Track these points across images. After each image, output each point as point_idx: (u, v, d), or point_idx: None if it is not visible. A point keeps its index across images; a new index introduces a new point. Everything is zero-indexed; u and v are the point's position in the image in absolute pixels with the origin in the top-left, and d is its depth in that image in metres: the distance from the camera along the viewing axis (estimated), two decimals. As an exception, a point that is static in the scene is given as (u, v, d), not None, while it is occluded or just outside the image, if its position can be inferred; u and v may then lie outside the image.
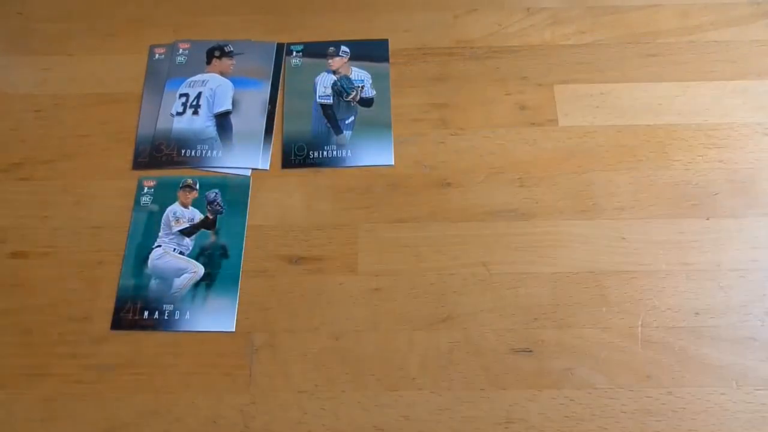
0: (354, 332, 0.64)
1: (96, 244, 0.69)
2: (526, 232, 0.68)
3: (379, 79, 0.78)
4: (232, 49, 0.80)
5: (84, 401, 0.62)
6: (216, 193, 0.71)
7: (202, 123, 0.75)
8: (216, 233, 0.69)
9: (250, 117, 0.76)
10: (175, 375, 0.62)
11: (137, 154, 0.74)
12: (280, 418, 0.60)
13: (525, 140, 0.73)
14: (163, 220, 0.70)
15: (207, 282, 0.67)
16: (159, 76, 0.79)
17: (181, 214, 0.70)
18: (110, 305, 0.66)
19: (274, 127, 0.75)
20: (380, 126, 0.75)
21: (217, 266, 0.67)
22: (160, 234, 0.69)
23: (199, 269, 0.67)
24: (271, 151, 0.74)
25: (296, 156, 0.73)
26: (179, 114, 0.76)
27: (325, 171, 0.72)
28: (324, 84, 0.78)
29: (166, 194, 0.71)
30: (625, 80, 0.77)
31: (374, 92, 0.77)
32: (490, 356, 0.62)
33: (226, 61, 0.79)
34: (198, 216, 0.70)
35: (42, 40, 0.82)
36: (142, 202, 0.71)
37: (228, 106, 0.76)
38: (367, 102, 0.76)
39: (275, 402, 0.61)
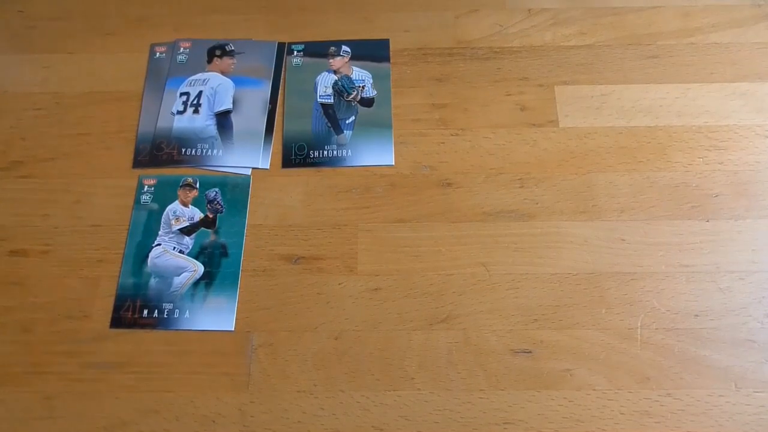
0: (353, 332, 0.64)
1: (96, 242, 0.69)
2: (526, 232, 0.68)
3: (379, 79, 0.78)
4: (233, 48, 0.80)
5: (83, 400, 0.62)
6: (216, 192, 0.71)
7: (202, 122, 0.75)
8: (216, 232, 0.69)
9: (251, 116, 0.76)
10: (175, 374, 0.62)
11: (137, 153, 0.74)
12: (278, 417, 0.60)
13: (525, 141, 0.73)
14: (162, 219, 0.70)
15: (206, 281, 0.67)
16: (160, 74, 0.79)
17: (181, 212, 0.70)
18: (110, 304, 0.66)
19: (275, 126, 0.75)
20: (381, 126, 0.75)
21: (217, 265, 0.67)
22: (159, 233, 0.69)
23: (199, 268, 0.67)
24: (272, 150, 0.74)
25: (296, 155, 0.73)
26: (180, 113, 0.76)
27: (325, 171, 0.72)
28: (325, 84, 0.78)
29: (166, 193, 0.71)
30: (626, 82, 0.77)
31: (375, 92, 0.77)
32: (489, 357, 0.62)
33: (226, 60, 0.79)
34: (198, 215, 0.70)
35: (43, 39, 0.82)
36: (142, 201, 0.71)
37: (228, 105, 0.76)
38: (367, 102, 0.76)
39: (274, 401, 0.61)
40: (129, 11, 0.84)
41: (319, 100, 0.77)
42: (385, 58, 0.79)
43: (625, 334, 0.63)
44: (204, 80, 0.78)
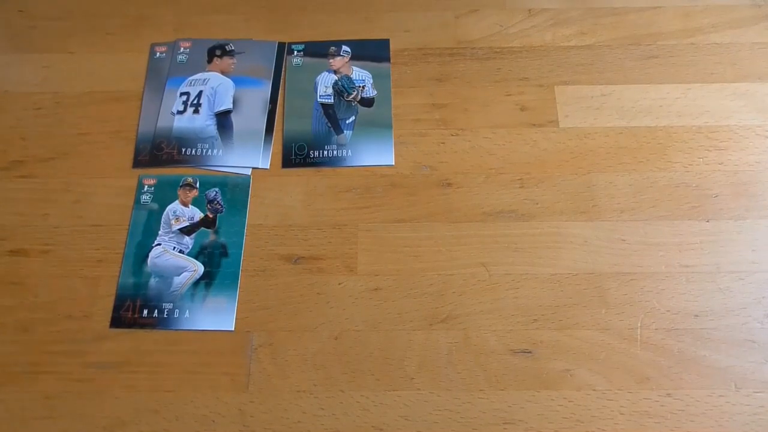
0: (353, 332, 0.64)
1: (96, 242, 0.69)
2: (526, 233, 0.68)
3: (379, 79, 0.78)
4: (233, 48, 0.80)
5: (83, 399, 0.62)
6: (216, 192, 0.71)
7: (202, 122, 0.75)
8: (216, 232, 0.69)
9: (251, 116, 0.76)
10: (175, 373, 0.62)
11: (138, 153, 0.74)
12: (278, 417, 0.60)
13: (525, 141, 0.73)
14: (162, 219, 0.70)
15: (206, 281, 0.67)
16: (160, 74, 0.79)
17: (181, 212, 0.70)
18: (110, 303, 0.66)
19: (275, 126, 0.75)
20: (381, 126, 0.75)
21: (217, 265, 0.67)
22: (159, 232, 0.69)
23: (199, 268, 0.67)
24: (272, 150, 0.74)
25: (296, 155, 0.73)
26: (180, 113, 0.76)
27: (325, 171, 0.72)
28: (325, 83, 0.78)
29: (166, 193, 0.71)
30: (626, 82, 0.77)
31: (375, 92, 0.77)
32: (489, 357, 0.62)
33: (227, 60, 0.79)
34: (198, 215, 0.70)
35: (43, 38, 0.82)
36: (142, 201, 0.71)
37: (229, 105, 0.76)
38: (367, 102, 0.76)
39: (274, 401, 0.61)
40: (129, 11, 0.84)
41: (319, 100, 0.77)
42: (385, 58, 0.79)
43: (625, 334, 0.63)
44: (204, 80, 0.78)
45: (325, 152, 0.73)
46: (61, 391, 0.62)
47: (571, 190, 0.70)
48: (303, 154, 0.73)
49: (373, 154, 0.73)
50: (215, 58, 0.79)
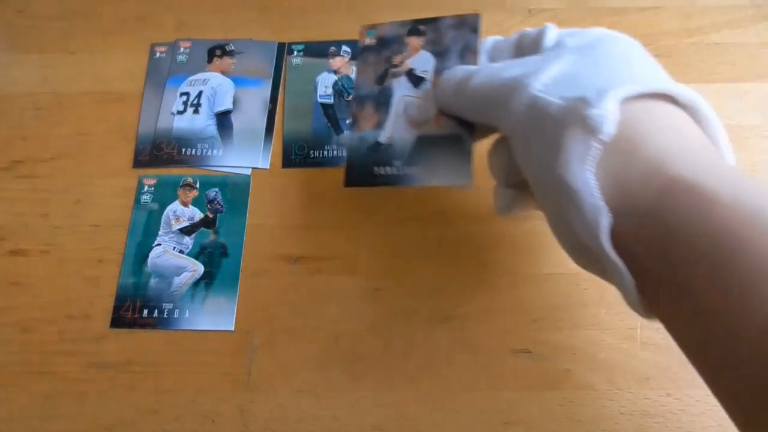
0: (353, 332, 0.64)
1: (96, 242, 0.69)
2: (527, 232, 0.68)
3: (379, 79, 0.77)
4: (233, 48, 0.80)
5: (83, 399, 0.62)
6: (216, 192, 0.71)
7: (202, 122, 0.75)
8: (216, 232, 0.69)
9: (251, 116, 0.76)
10: (174, 374, 0.62)
11: (137, 153, 0.74)
12: (279, 417, 0.60)
13: (525, 141, 0.73)
14: (162, 219, 0.70)
15: (206, 281, 0.67)
16: (160, 74, 0.79)
17: (181, 212, 0.70)
18: (110, 304, 0.66)
19: (275, 126, 0.75)
20: (381, 126, 0.74)
21: (217, 265, 0.67)
22: (159, 232, 0.69)
23: (199, 268, 0.67)
24: (272, 150, 0.74)
25: (296, 155, 0.73)
26: (180, 113, 0.76)
27: (326, 170, 0.72)
28: (325, 84, 0.78)
29: (166, 193, 0.71)
30: (626, 82, 0.77)
31: (375, 92, 0.77)
32: (489, 357, 0.62)
33: (227, 59, 0.79)
34: (198, 215, 0.70)
35: (43, 38, 0.82)
36: (142, 201, 0.71)
37: (229, 105, 0.76)
38: (367, 102, 0.76)
39: (274, 401, 0.61)
40: (129, 11, 0.84)
41: (319, 100, 0.77)
42: (385, 58, 0.79)
43: (625, 334, 0.63)
44: (204, 80, 0.78)
45: (325, 152, 0.73)
46: (61, 392, 0.62)
47: (571, 190, 0.70)
48: (303, 154, 0.73)
49: (373, 154, 0.73)
50: (215, 58, 0.79)
